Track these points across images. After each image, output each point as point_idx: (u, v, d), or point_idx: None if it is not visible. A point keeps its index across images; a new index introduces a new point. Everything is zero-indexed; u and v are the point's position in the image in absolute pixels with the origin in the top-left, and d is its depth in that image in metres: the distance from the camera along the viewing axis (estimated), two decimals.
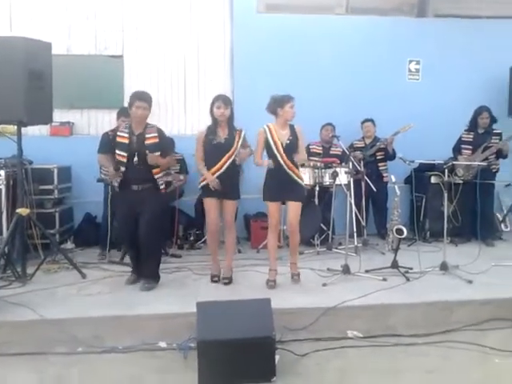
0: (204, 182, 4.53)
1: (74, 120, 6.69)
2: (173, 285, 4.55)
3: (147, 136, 4.36)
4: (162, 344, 3.62)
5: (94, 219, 6.30)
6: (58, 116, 6.27)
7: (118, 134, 4.41)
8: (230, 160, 4.47)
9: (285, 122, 4.50)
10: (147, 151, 4.27)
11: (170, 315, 3.80)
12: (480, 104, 6.25)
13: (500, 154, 6.06)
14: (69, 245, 5.89)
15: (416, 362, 3.39)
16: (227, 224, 4.67)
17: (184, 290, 4.38)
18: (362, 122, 6.58)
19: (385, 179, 6.45)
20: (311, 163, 5.75)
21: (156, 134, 4.39)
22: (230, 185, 4.50)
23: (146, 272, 4.49)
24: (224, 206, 4.58)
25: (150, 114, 4.43)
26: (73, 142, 6.47)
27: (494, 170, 6.09)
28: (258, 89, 6.34)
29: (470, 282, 4.49)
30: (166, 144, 4.54)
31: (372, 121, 6.53)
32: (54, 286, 4.44)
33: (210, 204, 4.56)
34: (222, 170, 4.45)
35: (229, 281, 4.59)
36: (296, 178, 4.49)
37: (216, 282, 4.63)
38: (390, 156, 6.35)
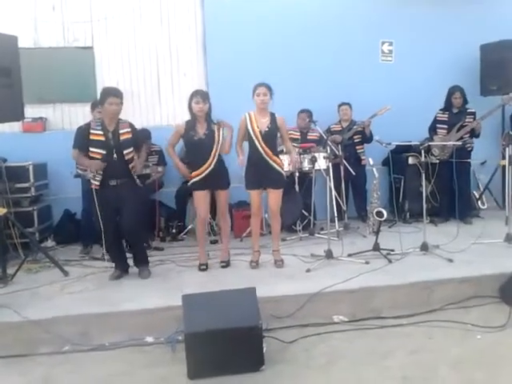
0: (196, 178, 4.57)
1: (47, 115, 6.54)
2: (157, 278, 4.54)
3: (121, 132, 4.40)
4: (150, 339, 3.62)
5: (74, 216, 6.21)
6: (30, 112, 6.12)
7: (91, 131, 4.37)
8: (217, 155, 4.56)
9: (261, 110, 4.56)
10: (130, 166, 4.39)
11: (156, 309, 3.79)
12: (453, 83, 6.30)
13: (473, 134, 6.15)
14: (49, 243, 5.82)
15: (401, 343, 3.45)
16: (221, 213, 4.84)
17: (168, 283, 4.37)
18: (339, 106, 6.59)
19: (363, 162, 6.50)
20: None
21: (129, 130, 4.45)
22: (220, 176, 4.61)
23: (138, 259, 4.63)
24: (217, 196, 4.73)
25: (121, 109, 4.42)
26: (47, 138, 6.32)
27: (468, 149, 6.18)
28: (233, 76, 6.34)
29: (451, 260, 4.57)
30: (139, 138, 4.63)
31: (348, 104, 6.55)
32: (37, 286, 4.39)
33: (200, 196, 4.65)
34: (211, 167, 4.54)
35: (226, 264, 4.78)
36: (275, 165, 4.58)
37: (204, 270, 4.70)
38: (367, 139, 6.40)
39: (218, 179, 4.61)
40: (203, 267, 4.73)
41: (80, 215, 5.86)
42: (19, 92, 4.73)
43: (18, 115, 4.87)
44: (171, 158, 4.76)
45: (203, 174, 4.54)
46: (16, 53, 4.70)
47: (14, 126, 6.24)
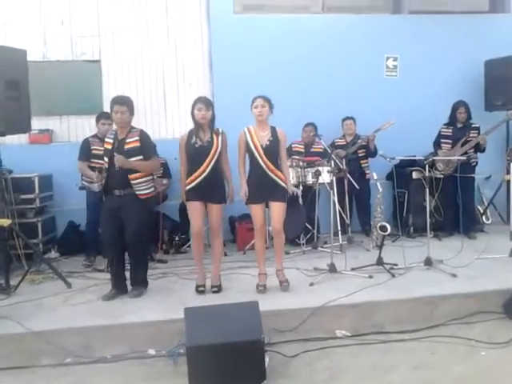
0: (191, 185, 4.35)
1: (54, 127, 6.61)
2: (160, 291, 4.53)
3: (127, 141, 4.31)
4: (151, 351, 3.61)
5: (78, 227, 6.24)
6: (37, 124, 6.20)
7: (106, 140, 4.39)
8: (213, 162, 4.33)
9: (260, 123, 4.42)
10: (114, 153, 4.20)
11: (158, 322, 3.79)
12: (458, 98, 6.34)
13: (478, 148, 6.15)
14: (53, 254, 5.84)
15: (404, 358, 3.42)
16: (213, 229, 4.49)
17: (171, 296, 4.36)
18: (343, 120, 6.63)
19: (367, 176, 6.51)
20: (293, 163, 5.76)
21: (137, 138, 4.32)
22: (213, 188, 4.36)
23: (135, 279, 4.48)
24: (209, 211, 4.44)
25: (131, 117, 4.37)
26: (53, 150, 6.40)
27: (473, 164, 6.18)
28: (238, 90, 6.37)
29: (455, 275, 4.55)
30: (147, 148, 4.40)
31: (352, 119, 6.58)
32: (40, 297, 4.39)
33: (194, 207, 4.39)
34: (205, 174, 4.31)
35: (218, 289, 4.45)
36: (277, 179, 4.39)
37: (202, 292, 4.42)
38: (371, 153, 6.41)
39: (212, 191, 4.34)
40: (201, 289, 4.43)
41: (84, 227, 5.88)
42: (27, 104, 4.78)
43: (25, 127, 4.93)
44: (181, 178, 4.50)
45: (196, 181, 4.31)
46: (25, 66, 4.77)
47: (21, 138, 6.32)
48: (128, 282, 4.52)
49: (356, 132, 6.61)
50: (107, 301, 4.28)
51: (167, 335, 3.63)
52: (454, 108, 6.26)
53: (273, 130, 4.45)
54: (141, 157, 4.31)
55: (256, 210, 4.43)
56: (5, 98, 4.45)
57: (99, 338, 3.70)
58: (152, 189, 4.47)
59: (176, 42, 6.85)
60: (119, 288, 4.42)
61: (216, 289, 4.46)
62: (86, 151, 5.40)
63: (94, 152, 5.34)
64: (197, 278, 4.53)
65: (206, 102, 4.38)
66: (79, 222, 6.15)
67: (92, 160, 5.31)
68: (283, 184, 4.42)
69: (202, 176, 4.32)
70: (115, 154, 4.21)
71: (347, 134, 6.63)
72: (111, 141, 4.34)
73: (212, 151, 4.34)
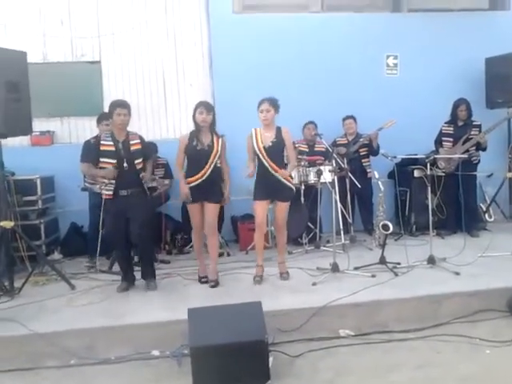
0: (190, 185, 4.56)
1: (55, 129, 6.62)
2: (163, 292, 4.54)
3: (131, 143, 4.51)
4: (155, 352, 3.61)
5: (80, 228, 6.24)
6: (38, 125, 6.22)
7: (102, 142, 4.46)
8: (213, 165, 4.56)
9: (268, 125, 4.58)
10: (142, 174, 4.49)
11: (162, 323, 3.79)
12: (458, 96, 6.31)
13: (479, 147, 6.14)
14: (56, 255, 5.84)
15: (408, 358, 3.42)
16: (209, 226, 4.64)
17: (174, 297, 4.37)
18: (344, 119, 6.61)
19: (369, 175, 6.49)
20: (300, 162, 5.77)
21: (139, 141, 4.58)
22: (210, 188, 4.57)
23: (147, 273, 4.66)
24: (205, 209, 4.63)
25: (129, 120, 4.52)
26: (54, 152, 6.39)
27: (474, 162, 6.17)
28: (238, 89, 6.39)
29: (458, 274, 4.55)
30: (148, 150, 4.76)
31: (353, 118, 6.56)
32: (43, 299, 4.40)
33: (193, 209, 4.66)
34: (205, 176, 4.54)
35: (215, 283, 4.61)
36: (283, 180, 4.57)
37: (205, 282, 4.66)
38: (374, 151, 6.38)
39: (209, 191, 4.56)
40: (204, 280, 4.70)
41: (87, 228, 5.89)
42: (28, 106, 4.78)
43: (27, 129, 4.93)
44: (179, 178, 4.70)
45: (197, 182, 4.52)
46: (25, 68, 4.77)
47: (23, 140, 6.31)
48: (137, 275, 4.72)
49: (357, 131, 6.60)
50: (121, 292, 4.54)
51: (171, 336, 3.63)
52: (455, 106, 6.25)
53: (278, 130, 4.60)
54: (142, 159, 4.53)
55: (259, 206, 4.62)
56: (5, 100, 4.46)
57: (103, 340, 3.70)
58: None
59: (176, 42, 6.85)
60: (129, 280, 4.65)
61: (213, 283, 4.60)
62: (87, 152, 5.38)
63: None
64: (199, 270, 4.80)
65: (207, 107, 4.57)
66: (82, 223, 6.16)
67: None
68: (288, 184, 4.61)
69: (202, 178, 4.55)
70: (143, 175, 4.52)
71: (348, 133, 6.62)
72: (111, 143, 4.44)
73: (212, 154, 4.56)
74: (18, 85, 4.62)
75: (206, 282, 4.65)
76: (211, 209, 4.61)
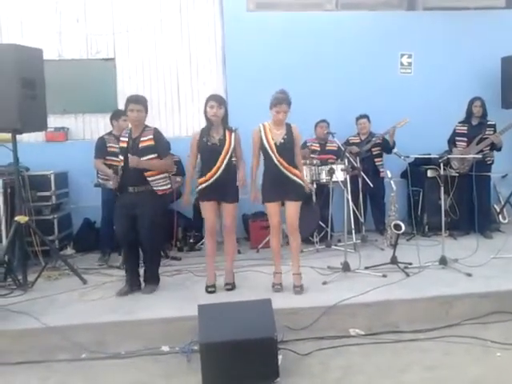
0: (203, 185, 4.36)
1: (69, 125, 6.68)
2: (174, 288, 4.56)
3: (142, 139, 4.35)
4: (165, 348, 3.63)
5: (93, 224, 6.30)
6: (53, 121, 6.27)
7: (121, 139, 4.44)
8: (226, 161, 4.31)
9: (278, 122, 4.37)
10: (128, 154, 4.24)
11: (172, 319, 3.81)
12: (473, 96, 6.24)
13: (494, 147, 6.07)
14: (69, 251, 5.92)
15: (418, 358, 3.40)
16: (227, 228, 4.48)
17: (185, 293, 4.39)
18: (357, 119, 6.57)
19: (381, 174, 6.45)
20: (307, 161, 5.74)
21: (151, 137, 4.36)
22: (226, 187, 4.34)
23: (148, 275, 4.53)
24: (223, 210, 4.45)
25: (145, 115, 4.41)
26: (69, 148, 6.47)
27: (489, 162, 6.10)
28: (252, 87, 6.38)
29: (470, 275, 4.51)
30: (161, 146, 4.44)
31: (367, 117, 6.53)
32: (56, 293, 4.45)
33: (208, 207, 4.41)
34: (218, 173, 4.30)
35: (231, 286, 4.45)
36: (293, 176, 4.32)
37: (212, 292, 4.37)
38: (388, 148, 6.25)
39: (226, 190, 4.32)
40: (211, 289, 4.39)
41: (99, 224, 5.94)
42: (43, 102, 4.84)
43: (42, 125, 4.99)
44: (187, 186, 4.58)
45: (210, 181, 4.30)
46: (41, 65, 4.82)
47: (38, 136, 6.41)
48: (141, 279, 4.57)
49: (370, 130, 6.56)
50: (121, 296, 4.34)
51: (181, 332, 3.65)
52: (470, 102, 6.18)
53: (288, 127, 4.38)
54: (155, 155, 4.33)
55: (272, 209, 4.39)
56: (22, 96, 4.51)
57: (114, 334, 3.74)
58: (169, 185, 4.54)
59: (190, 40, 6.87)
60: (133, 284, 4.48)
61: (229, 286, 4.45)
62: (101, 149, 5.45)
63: (110, 150, 5.39)
64: (207, 278, 4.53)
65: (218, 100, 4.35)
66: (94, 219, 6.22)
67: (107, 158, 5.37)
68: (299, 181, 4.35)
69: (216, 175, 4.31)
70: (129, 154, 4.24)
71: (361, 132, 6.58)
72: (126, 139, 4.39)
73: (225, 149, 4.32)
74: (33, 81, 4.67)
75: (214, 292, 4.38)
76: (229, 210, 4.39)
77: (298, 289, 4.33)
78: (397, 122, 6.16)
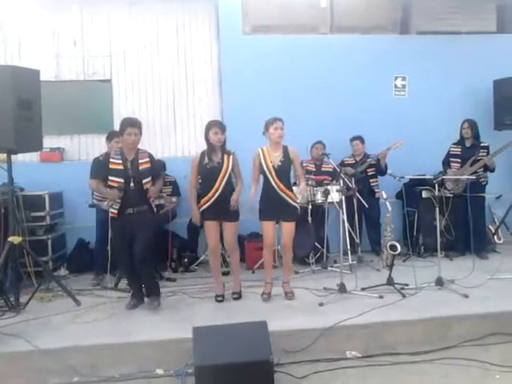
0: (205, 206, 4.58)
1: (65, 146, 6.69)
2: (168, 310, 4.51)
3: (140, 161, 4.48)
4: (159, 371, 3.58)
5: (87, 245, 6.25)
6: (48, 142, 6.26)
7: (111, 160, 4.46)
8: (224, 181, 4.57)
9: (275, 144, 4.61)
10: (147, 187, 4.43)
11: (167, 341, 3.76)
12: (466, 117, 6.33)
13: (487, 168, 6.12)
14: (62, 271, 5.84)
15: (416, 381, 3.36)
16: (229, 246, 4.76)
17: (180, 315, 4.34)
18: (351, 140, 6.62)
19: (377, 195, 6.48)
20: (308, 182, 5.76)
21: (148, 159, 4.53)
22: (226, 207, 4.54)
23: (151, 290, 4.61)
24: (224, 228, 4.68)
25: (140, 139, 4.50)
26: (64, 168, 6.47)
27: (483, 183, 6.13)
28: (248, 109, 6.43)
29: (466, 296, 4.49)
30: (157, 168, 4.73)
31: (359, 138, 6.56)
32: (49, 315, 4.39)
33: (210, 227, 4.65)
34: (218, 193, 4.54)
35: (238, 296, 4.74)
36: (289, 199, 4.59)
37: (221, 301, 4.67)
38: (381, 170, 6.36)
39: (226, 210, 4.55)
40: (220, 299, 4.69)
41: (93, 244, 5.89)
42: (39, 123, 4.83)
43: (37, 146, 4.98)
44: (191, 201, 4.69)
45: (211, 201, 4.55)
46: (38, 86, 4.83)
47: (33, 156, 6.41)
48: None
49: (365, 151, 6.60)
50: (131, 309, 4.52)
51: (175, 355, 3.60)
52: (461, 125, 6.27)
53: (284, 149, 4.63)
54: (150, 178, 4.49)
55: (267, 226, 4.64)
56: (18, 117, 4.51)
57: (107, 357, 3.68)
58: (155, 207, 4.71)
59: (186, 62, 6.95)
60: (138, 298, 4.63)
61: (237, 295, 4.74)
62: (96, 169, 5.43)
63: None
64: (216, 289, 4.78)
65: (221, 127, 4.61)
66: (89, 239, 6.18)
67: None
68: (293, 203, 4.62)
69: (216, 195, 4.55)
70: (150, 189, 4.45)
71: (356, 153, 6.63)
72: (120, 161, 4.44)
73: (223, 171, 4.57)
74: (30, 102, 4.67)
75: (222, 301, 4.68)
76: (229, 227, 4.66)
77: (290, 294, 4.68)
78: (391, 144, 6.20)
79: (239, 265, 5.00)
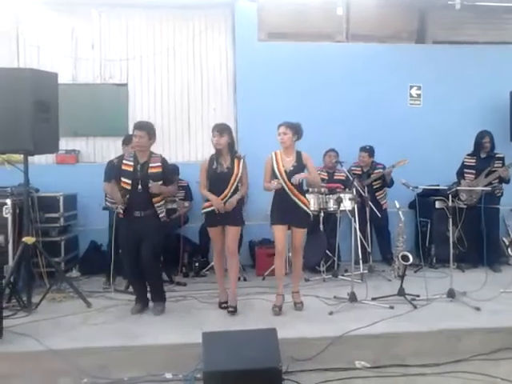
0: (208, 209, 4.56)
1: (80, 148, 6.77)
2: (178, 314, 4.53)
3: (151, 165, 4.49)
4: (168, 375, 3.58)
5: (100, 247, 6.30)
6: (64, 144, 6.35)
7: (124, 161, 4.52)
8: (234, 188, 4.53)
9: (285, 149, 4.59)
10: (150, 181, 4.37)
11: (176, 346, 3.77)
12: (482, 128, 6.28)
13: (502, 180, 6.06)
14: (74, 273, 5.90)
15: None
16: (229, 250, 4.60)
17: (189, 320, 4.35)
18: (360, 150, 6.53)
19: (384, 206, 6.43)
20: (315, 189, 5.74)
21: (160, 164, 4.52)
22: (231, 212, 4.51)
23: (156, 295, 4.60)
24: (226, 232, 4.59)
25: (151, 142, 4.50)
26: (78, 170, 6.53)
27: (498, 195, 6.07)
28: (261, 115, 6.46)
29: (478, 309, 4.44)
30: (169, 173, 4.68)
31: (369, 151, 6.46)
32: (60, 316, 4.43)
33: (215, 232, 4.64)
34: (225, 199, 4.50)
35: (234, 309, 4.50)
36: (301, 204, 4.55)
37: (225, 308, 4.58)
38: (387, 185, 6.38)
39: (229, 214, 4.50)
40: (224, 305, 4.61)
41: (106, 247, 5.94)
42: (56, 125, 4.89)
43: (53, 148, 5.04)
44: (206, 196, 4.59)
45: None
46: (55, 89, 4.89)
47: (48, 158, 6.49)
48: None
49: (374, 160, 6.53)
50: (136, 314, 4.49)
51: (184, 359, 3.60)
52: (479, 137, 6.20)
53: (298, 154, 4.61)
54: (161, 182, 4.47)
55: (278, 231, 4.58)
56: (35, 118, 4.57)
57: (116, 360, 3.69)
58: (164, 213, 4.63)
59: (201, 67, 7.00)
60: (142, 302, 4.60)
61: (232, 309, 4.50)
62: (110, 172, 5.48)
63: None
64: (220, 295, 4.74)
65: (219, 129, 4.54)
66: (101, 241, 6.22)
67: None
68: (306, 209, 4.59)
69: (223, 201, 4.49)
70: (150, 182, 4.37)
71: (362, 165, 6.57)
72: (131, 163, 4.47)
73: (233, 177, 4.53)
74: (47, 104, 4.73)
75: (226, 308, 4.58)
76: (232, 232, 4.57)
77: (300, 305, 4.62)
78: (396, 162, 6.15)
79: (237, 272, 4.81)
